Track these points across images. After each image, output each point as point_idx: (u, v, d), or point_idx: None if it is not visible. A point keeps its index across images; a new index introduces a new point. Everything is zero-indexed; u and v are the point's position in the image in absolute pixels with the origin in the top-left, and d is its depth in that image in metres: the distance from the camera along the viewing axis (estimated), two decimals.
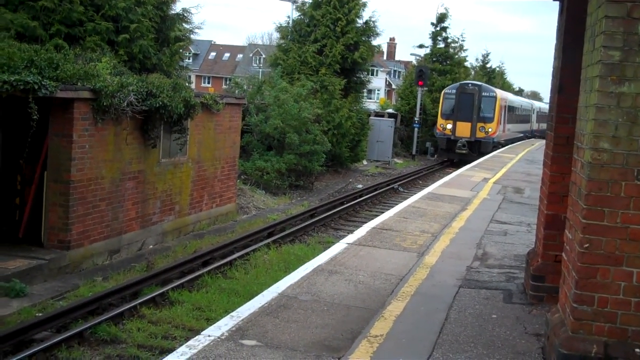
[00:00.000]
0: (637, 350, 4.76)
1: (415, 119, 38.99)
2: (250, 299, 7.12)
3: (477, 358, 5.56)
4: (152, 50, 17.45)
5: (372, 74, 48.49)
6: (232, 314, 6.32)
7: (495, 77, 61.58)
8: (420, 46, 46.23)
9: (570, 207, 5.35)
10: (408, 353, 5.57)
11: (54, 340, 8.57)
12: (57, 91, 11.12)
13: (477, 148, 34.79)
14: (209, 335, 5.66)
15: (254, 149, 23.94)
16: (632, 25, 4.58)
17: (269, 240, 14.98)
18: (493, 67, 63.15)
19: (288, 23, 32.01)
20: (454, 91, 35.99)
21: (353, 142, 30.62)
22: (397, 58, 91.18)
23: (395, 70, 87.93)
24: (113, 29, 16.60)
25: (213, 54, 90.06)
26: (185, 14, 19.60)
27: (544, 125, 57.34)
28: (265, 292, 7.03)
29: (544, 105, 63.75)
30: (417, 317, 6.47)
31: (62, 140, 11.89)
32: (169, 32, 18.65)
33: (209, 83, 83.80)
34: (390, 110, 44.64)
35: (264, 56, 68.57)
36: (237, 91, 27.04)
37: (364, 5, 31.52)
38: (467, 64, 49.87)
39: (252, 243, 14.77)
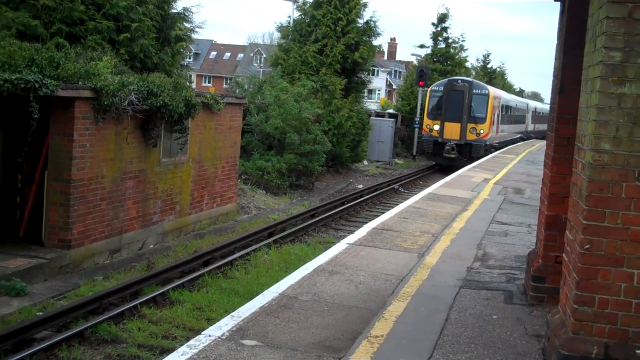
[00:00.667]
0: (637, 351, 4.76)
1: (416, 119, 38.92)
2: (250, 299, 7.12)
3: (478, 359, 5.56)
4: (153, 50, 17.47)
5: (373, 74, 48.57)
6: (233, 313, 6.32)
7: (496, 77, 61.54)
8: (421, 46, 46.26)
9: (571, 208, 5.35)
10: (409, 353, 5.57)
11: (55, 340, 8.57)
12: (58, 90, 11.12)
13: (467, 152, 31.68)
14: (209, 335, 5.66)
15: (254, 148, 23.95)
16: (633, 26, 4.58)
17: (270, 240, 14.98)
18: (494, 67, 63.13)
19: (289, 23, 32.06)
20: (442, 88, 32.67)
21: (353, 142, 30.63)
22: (397, 58, 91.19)
23: (395, 71, 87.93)
24: (114, 28, 16.62)
25: (214, 53, 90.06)
26: (186, 13, 19.65)
27: (539, 127, 55.26)
28: (265, 292, 7.03)
29: (540, 105, 62.25)
30: (417, 318, 6.47)
31: (63, 139, 11.90)
32: (170, 31, 18.67)
33: (209, 82, 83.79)
34: (390, 111, 44.63)
35: (264, 56, 68.59)
36: (237, 91, 27.07)
37: (365, 5, 31.57)
38: (467, 64, 49.90)
39: (252, 243, 14.77)
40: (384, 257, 8.82)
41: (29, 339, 8.72)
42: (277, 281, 7.81)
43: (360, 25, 31.35)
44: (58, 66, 11.48)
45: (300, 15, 31.44)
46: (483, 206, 14.12)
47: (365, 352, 5.51)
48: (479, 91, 32.38)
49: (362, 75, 32.83)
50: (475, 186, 17.67)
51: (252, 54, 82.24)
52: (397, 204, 15.86)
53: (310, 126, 24.64)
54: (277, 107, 24.08)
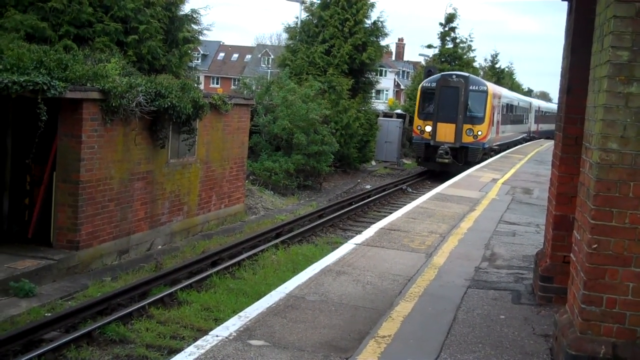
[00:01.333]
0: None
1: None
2: (258, 299, 7.13)
3: (485, 359, 5.55)
4: (161, 51, 17.52)
5: (381, 75, 48.48)
6: (240, 314, 6.32)
7: (504, 77, 61.32)
8: (429, 46, 46.11)
9: (578, 208, 5.33)
10: (416, 353, 5.56)
11: (63, 340, 8.61)
12: (66, 92, 11.16)
13: (463, 156, 28.03)
14: (217, 336, 5.67)
15: (262, 149, 23.98)
16: None
17: (277, 240, 15.00)
18: (502, 67, 62.89)
19: (296, 24, 32.08)
20: (435, 84, 28.77)
21: (361, 143, 30.62)
22: (405, 58, 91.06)
23: (403, 71, 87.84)
24: (122, 30, 16.68)
25: (222, 54, 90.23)
26: (194, 15, 19.69)
27: (543, 127, 53.72)
28: (273, 293, 7.04)
29: (544, 104, 61.07)
30: (425, 318, 6.46)
31: (71, 141, 11.94)
32: (178, 33, 18.72)
33: (217, 84, 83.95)
34: (398, 111, 44.53)
35: (272, 57, 68.62)
36: (245, 92, 27.10)
37: (372, 5, 31.57)
38: (475, 64, 49.62)
39: (260, 243, 14.79)
40: (392, 258, 8.81)
41: (38, 340, 8.76)
42: (284, 281, 7.81)
43: (367, 25, 31.34)
44: (66, 68, 11.52)
45: (307, 16, 31.48)
46: (491, 206, 14.09)
47: (372, 352, 5.51)
48: (476, 87, 28.67)
49: (370, 76, 32.80)
50: (483, 186, 17.64)
51: (259, 55, 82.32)
52: (405, 204, 15.85)
53: (317, 127, 24.65)
54: (285, 108, 24.10)
